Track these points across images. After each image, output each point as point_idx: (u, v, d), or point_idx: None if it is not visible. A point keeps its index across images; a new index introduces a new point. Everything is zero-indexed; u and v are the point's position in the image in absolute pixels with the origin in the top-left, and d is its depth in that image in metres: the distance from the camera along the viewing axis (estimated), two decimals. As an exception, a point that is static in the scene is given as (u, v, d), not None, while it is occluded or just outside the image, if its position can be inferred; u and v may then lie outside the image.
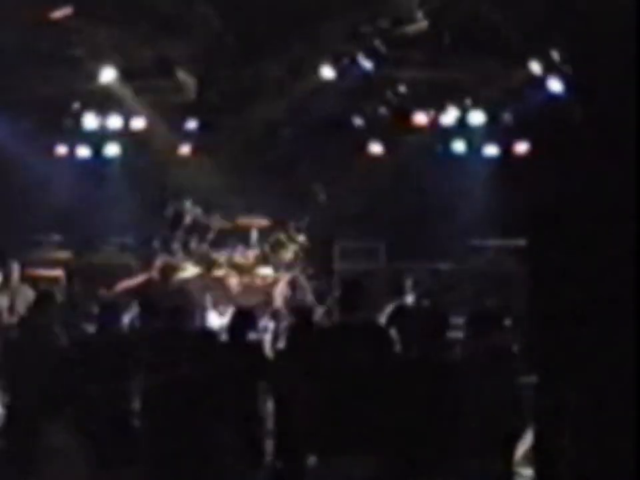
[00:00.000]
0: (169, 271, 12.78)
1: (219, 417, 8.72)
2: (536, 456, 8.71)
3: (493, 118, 13.85)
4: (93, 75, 13.02)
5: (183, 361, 8.78)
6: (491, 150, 14.34)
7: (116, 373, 8.83)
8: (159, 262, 12.88)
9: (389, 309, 10.58)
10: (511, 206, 13.64)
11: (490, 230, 13.85)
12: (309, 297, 11.74)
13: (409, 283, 11.32)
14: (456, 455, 7.46)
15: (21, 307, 11.47)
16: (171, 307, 9.61)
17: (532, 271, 7.55)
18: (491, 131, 14.08)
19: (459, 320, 9.41)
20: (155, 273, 12.70)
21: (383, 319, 9.55)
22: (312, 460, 8.83)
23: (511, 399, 8.36)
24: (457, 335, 9.56)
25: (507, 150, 14.17)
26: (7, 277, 12.09)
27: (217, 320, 12.29)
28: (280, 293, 12.01)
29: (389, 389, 7.45)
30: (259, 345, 9.91)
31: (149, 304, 9.86)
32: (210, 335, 9.78)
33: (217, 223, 13.64)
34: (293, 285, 12.04)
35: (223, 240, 13.57)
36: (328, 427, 7.60)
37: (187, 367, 8.75)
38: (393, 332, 8.49)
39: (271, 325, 11.65)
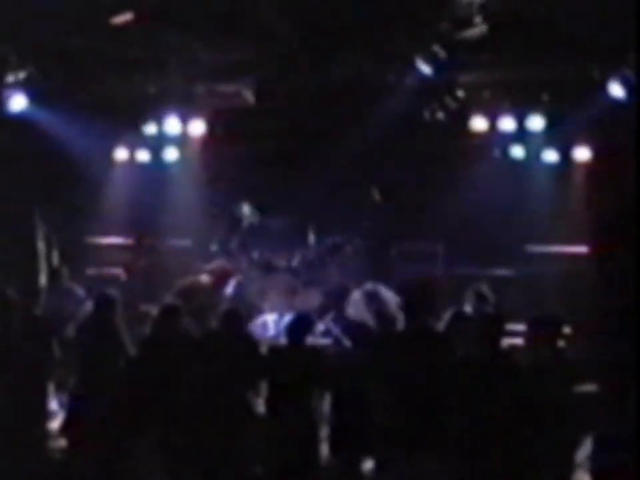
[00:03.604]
0: (224, 274, 12.82)
1: (276, 418, 8.80)
2: (594, 463, 8.65)
3: (552, 123, 13.72)
4: (154, 79, 13.16)
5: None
6: (551, 156, 14.20)
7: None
8: (214, 265, 12.93)
9: (448, 314, 10.55)
10: (571, 212, 13.60)
11: (549, 236, 13.76)
12: (391, 306, 11.67)
13: (466, 289, 11.24)
14: (518, 459, 7.45)
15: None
16: (225, 311, 9.68)
17: (598, 277, 7.53)
18: (551, 136, 13.94)
19: (517, 327, 9.36)
20: (209, 277, 12.74)
21: (441, 324, 9.54)
22: (368, 462, 8.88)
23: (571, 405, 8.30)
24: (516, 341, 9.52)
25: (566, 156, 14.04)
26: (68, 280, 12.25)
27: (274, 324, 12.34)
28: (353, 301, 11.94)
29: (451, 394, 7.46)
30: (316, 348, 9.96)
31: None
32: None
33: (275, 225, 13.70)
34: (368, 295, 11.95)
35: (280, 242, 13.60)
36: (391, 429, 7.63)
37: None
38: (452, 337, 8.50)
39: (331, 328, 11.68)
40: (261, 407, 9.25)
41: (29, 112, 13.10)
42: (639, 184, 12.07)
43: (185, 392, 8.95)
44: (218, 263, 13.04)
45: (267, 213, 13.87)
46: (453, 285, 11.92)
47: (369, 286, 12.11)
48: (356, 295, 11.96)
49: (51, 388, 9.59)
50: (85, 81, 13.08)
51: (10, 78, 12.72)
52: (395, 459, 7.80)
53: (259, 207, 13.83)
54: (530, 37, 11.94)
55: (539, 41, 11.97)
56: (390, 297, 11.79)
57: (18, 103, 12.93)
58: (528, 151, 14.17)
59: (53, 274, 12.51)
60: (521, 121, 13.78)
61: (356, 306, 11.89)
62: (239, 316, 9.51)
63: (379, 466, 8.38)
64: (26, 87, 12.82)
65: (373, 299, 11.76)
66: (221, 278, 12.80)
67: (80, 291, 12.60)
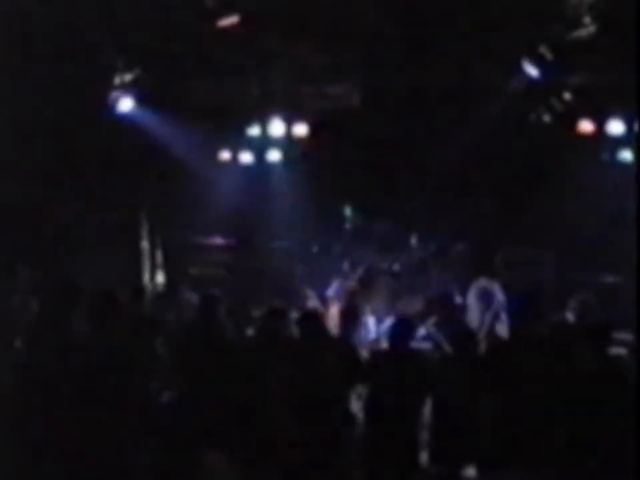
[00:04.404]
0: (369, 282, 12.74)
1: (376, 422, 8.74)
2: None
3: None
4: (258, 82, 13.23)
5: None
6: (658, 159, 13.86)
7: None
8: (361, 272, 12.86)
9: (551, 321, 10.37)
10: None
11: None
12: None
13: (573, 295, 11.04)
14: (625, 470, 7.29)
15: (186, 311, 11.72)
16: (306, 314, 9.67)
17: None
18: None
19: (626, 335, 9.15)
20: (355, 283, 12.69)
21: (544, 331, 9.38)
22: (470, 471, 8.75)
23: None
24: (622, 350, 9.31)
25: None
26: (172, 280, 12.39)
27: (375, 327, 12.28)
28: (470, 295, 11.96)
29: (561, 405, 7.32)
30: (418, 353, 9.87)
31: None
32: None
33: (378, 228, 13.64)
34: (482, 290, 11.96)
35: (383, 245, 13.54)
36: (494, 439, 7.53)
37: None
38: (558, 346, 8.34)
39: (432, 333, 11.60)
40: (360, 411, 9.21)
41: (136, 113, 13.30)
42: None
43: (279, 395, 8.93)
44: (362, 271, 13.00)
45: (370, 216, 13.81)
46: (560, 291, 11.71)
47: (483, 282, 12.08)
48: (472, 291, 12.00)
49: (155, 388, 9.67)
50: (189, 83, 13.23)
51: (117, 80, 12.94)
52: (497, 469, 7.68)
53: (361, 210, 13.79)
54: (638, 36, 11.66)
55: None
56: (500, 296, 11.79)
57: (125, 104, 13.14)
58: (637, 155, 13.86)
59: (169, 277, 12.64)
60: (630, 123, 13.49)
61: (471, 302, 11.92)
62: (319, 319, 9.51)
63: (480, 474, 8.27)
64: (133, 89, 13.02)
65: (485, 295, 11.77)
66: (366, 286, 12.75)
67: (194, 294, 12.70)
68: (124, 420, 8.10)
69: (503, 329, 11.58)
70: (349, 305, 11.37)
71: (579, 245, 13.47)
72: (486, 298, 11.96)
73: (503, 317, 11.62)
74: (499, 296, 11.99)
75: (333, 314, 11.66)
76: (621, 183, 13.73)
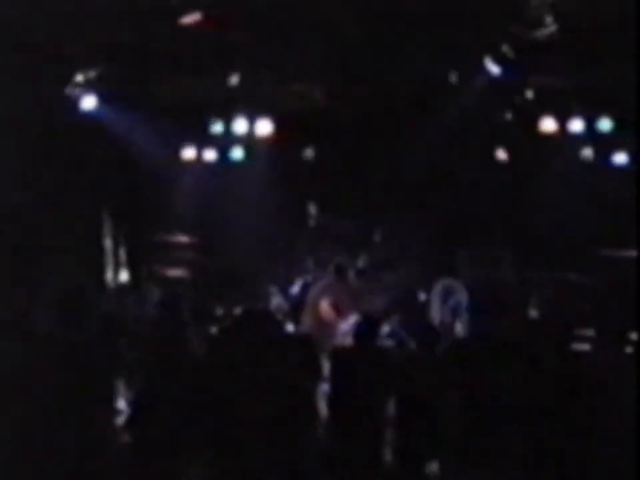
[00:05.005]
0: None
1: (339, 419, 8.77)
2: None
3: (622, 125, 13.55)
4: (223, 79, 13.22)
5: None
6: (620, 158, 14.03)
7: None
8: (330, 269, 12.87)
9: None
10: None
11: (621, 240, 13.55)
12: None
13: (533, 293, 11.17)
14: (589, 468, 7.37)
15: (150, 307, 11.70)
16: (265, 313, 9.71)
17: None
18: (620, 138, 13.76)
19: (587, 332, 9.27)
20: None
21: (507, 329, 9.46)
22: (432, 466, 8.82)
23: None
24: (584, 347, 9.42)
25: (637, 158, 13.84)
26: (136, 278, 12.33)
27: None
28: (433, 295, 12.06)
29: (526, 402, 7.40)
30: (382, 350, 9.92)
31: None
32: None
33: (342, 226, 13.67)
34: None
35: (347, 243, 13.58)
36: (458, 436, 7.59)
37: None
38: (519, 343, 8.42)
39: (396, 330, 11.64)
40: (323, 408, 9.24)
41: (99, 111, 13.24)
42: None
43: (249, 392, 8.94)
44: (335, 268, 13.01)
45: (334, 214, 13.85)
46: (522, 289, 11.81)
47: (446, 281, 12.16)
48: (435, 289, 12.09)
49: (119, 386, 9.65)
50: (153, 80, 13.19)
51: (79, 77, 12.87)
52: (460, 466, 7.74)
53: (325, 207, 13.83)
54: (601, 37, 11.79)
55: (610, 42, 11.80)
56: (462, 295, 11.87)
57: (88, 102, 13.08)
58: (598, 153, 14.03)
59: (133, 275, 12.60)
60: (591, 122, 13.64)
61: (434, 300, 12.01)
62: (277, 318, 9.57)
63: (443, 471, 8.33)
64: (96, 86, 12.96)
65: (446, 294, 11.86)
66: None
67: (157, 293, 12.66)
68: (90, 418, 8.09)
69: (461, 328, 11.69)
70: (337, 299, 11.52)
71: (540, 242, 13.59)
72: (447, 297, 12.07)
73: (463, 315, 11.71)
74: (461, 296, 12.08)
75: (325, 308, 11.74)
76: (585, 181, 13.90)
